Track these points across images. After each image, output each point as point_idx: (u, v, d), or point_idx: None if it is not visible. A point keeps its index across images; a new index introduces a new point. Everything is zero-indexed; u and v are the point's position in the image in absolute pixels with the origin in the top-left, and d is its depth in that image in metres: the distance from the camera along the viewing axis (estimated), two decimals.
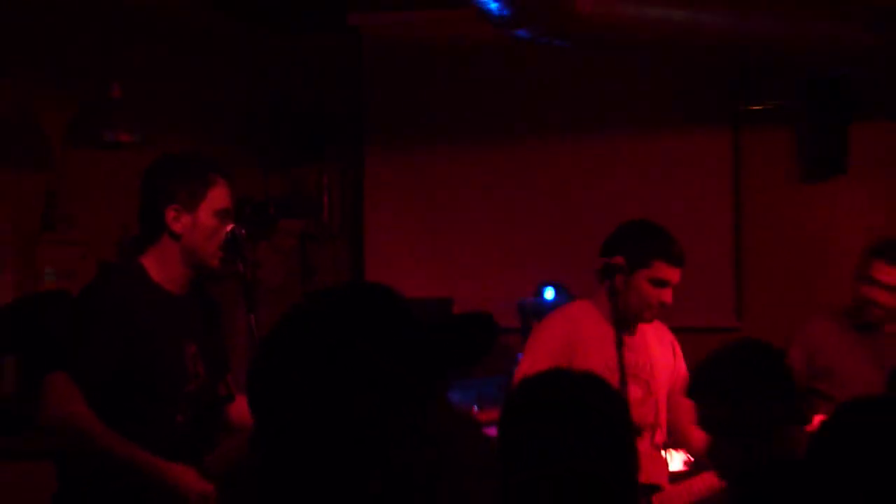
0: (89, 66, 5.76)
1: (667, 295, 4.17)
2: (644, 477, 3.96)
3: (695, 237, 7.05)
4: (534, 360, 4.06)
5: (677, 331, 6.19)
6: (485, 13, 5.49)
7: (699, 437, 3.91)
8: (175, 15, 6.62)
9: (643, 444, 4.11)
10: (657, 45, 6.09)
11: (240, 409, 3.72)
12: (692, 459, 4.75)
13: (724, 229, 7.21)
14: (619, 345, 4.02)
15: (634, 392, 4.11)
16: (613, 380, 4.11)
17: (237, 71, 7.28)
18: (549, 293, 6.49)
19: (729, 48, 6.26)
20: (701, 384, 3.27)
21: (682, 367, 4.36)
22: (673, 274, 4.18)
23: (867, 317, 4.89)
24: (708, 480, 4.46)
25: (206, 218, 3.57)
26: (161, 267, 3.59)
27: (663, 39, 6.00)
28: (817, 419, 4.77)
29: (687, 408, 3.97)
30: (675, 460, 4.81)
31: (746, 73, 7.10)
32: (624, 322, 4.14)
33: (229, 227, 3.63)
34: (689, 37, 6.04)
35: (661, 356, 4.27)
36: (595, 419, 2.35)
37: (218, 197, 3.60)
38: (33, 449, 4.48)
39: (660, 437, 4.26)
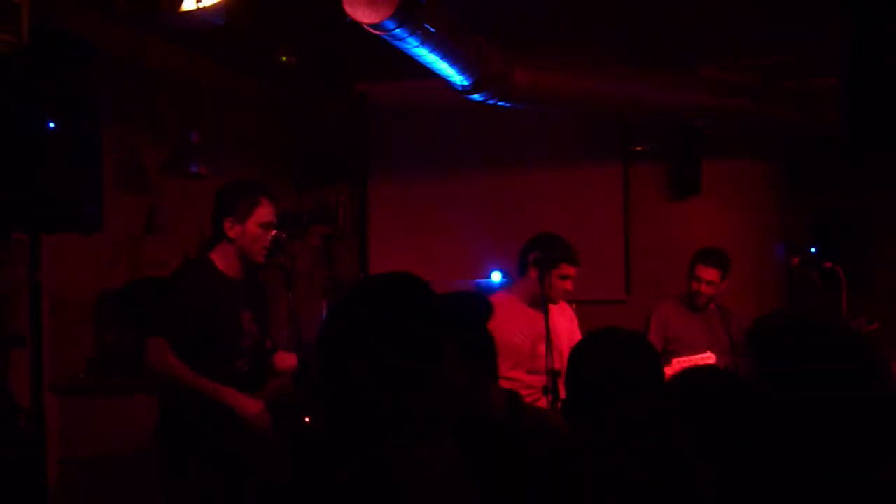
0: (177, 121, 5.73)
1: (570, 285, 4.29)
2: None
3: (598, 239, 7.22)
4: None
5: (589, 303, 6.34)
6: (452, 83, 5.47)
7: None
8: (237, 85, 6.63)
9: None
10: (571, 105, 6.05)
11: (280, 358, 3.86)
12: None
13: (618, 233, 7.22)
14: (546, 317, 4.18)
15: (543, 349, 4.24)
16: (530, 340, 4.23)
17: (280, 123, 7.25)
18: (497, 276, 6.48)
19: (621, 107, 6.22)
20: None
21: (576, 330, 4.42)
22: (573, 271, 4.30)
23: (695, 302, 4.96)
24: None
25: (253, 228, 3.61)
26: (224, 260, 3.64)
27: (576, 101, 5.97)
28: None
29: None
30: None
31: (632, 124, 7.08)
32: (538, 303, 4.28)
33: (273, 233, 3.66)
34: (594, 100, 6.01)
35: (562, 323, 4.32)
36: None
37: (263, 213, 3.64)
38: (144, 386, 4.34)
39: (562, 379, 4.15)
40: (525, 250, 4.36)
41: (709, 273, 4.93)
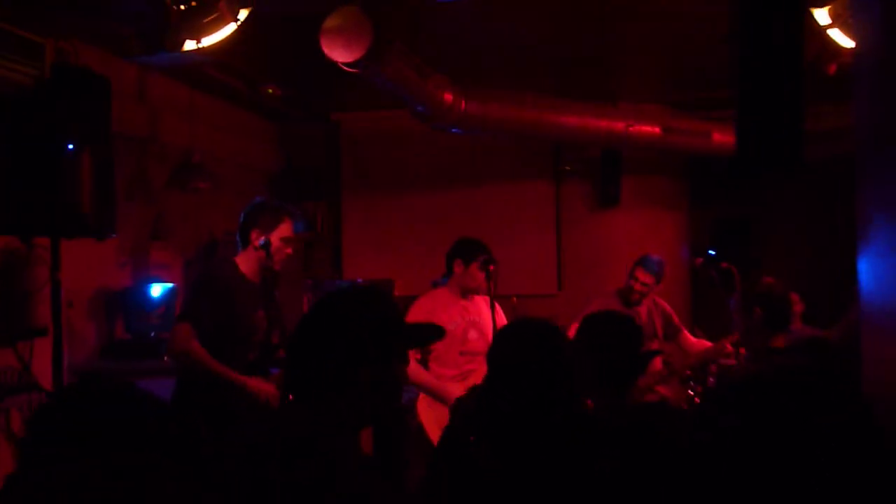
0: (180, 143, 5.66)
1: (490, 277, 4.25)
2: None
3: (535, 243, 7.29)
4: (414, 317, 4.17)
5: (526, 297, 6.27)
6: (414, 112, 5.48)
7: None
8: (230, 115, 6.50)
9: (482, 365, 4.30)
10: (511, 131, 6.09)
11: None
12: None
13: (551, 238, 7.20)
14: (493, 307, 4.15)
15: (472, 334, 4.28)
16: (461, 327, 4.27)
17: (268, 148, 7.20)
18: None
19: (554, 132, 6.21)
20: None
21: (502, 319, 4.33)
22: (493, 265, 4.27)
23: (631, 298, 4.98)
24: None
25: (275, 241, 3.59)
26: (246, 264, 3.60)
27: (515, 128, 6.05)
28: None
29: None
30: None
31: (563, 147, 7.10)
32: (466, 294, 4.32)
33: (290, 249, 3.66)
34: (531, 127, 6.04)
35: (487, 313, 4.25)
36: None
37: (285, 229, 3.63)
38: (152, 369, 4.46)
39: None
40: (449, 253, 4.36)
41: (646, 277, 5.01)
